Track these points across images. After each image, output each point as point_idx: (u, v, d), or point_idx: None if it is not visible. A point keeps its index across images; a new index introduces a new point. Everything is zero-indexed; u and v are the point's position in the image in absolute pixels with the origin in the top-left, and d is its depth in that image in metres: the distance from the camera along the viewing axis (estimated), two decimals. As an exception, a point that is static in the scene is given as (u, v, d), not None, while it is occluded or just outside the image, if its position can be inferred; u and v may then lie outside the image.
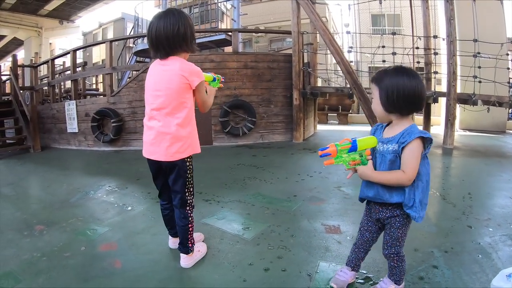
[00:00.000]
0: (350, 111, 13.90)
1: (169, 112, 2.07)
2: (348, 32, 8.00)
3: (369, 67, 11.03)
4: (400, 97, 1.61)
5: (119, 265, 2.30)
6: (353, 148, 1.60)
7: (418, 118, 8.81)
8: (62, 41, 23.13)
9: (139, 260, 2.36)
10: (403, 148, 1.61)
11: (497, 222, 2.87)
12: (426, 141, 1.62)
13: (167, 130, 2.06)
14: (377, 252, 2.00)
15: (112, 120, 7.22)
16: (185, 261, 2.23)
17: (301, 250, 2.43)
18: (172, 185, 2.20)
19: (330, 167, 4.80)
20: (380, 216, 1.77)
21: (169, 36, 2.03)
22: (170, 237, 2.51)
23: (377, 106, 1.71)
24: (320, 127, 10.14)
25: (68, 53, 8.76)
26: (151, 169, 2.23)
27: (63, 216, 3.28)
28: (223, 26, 12.12)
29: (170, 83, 2.05)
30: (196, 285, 2.04)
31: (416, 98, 1.63)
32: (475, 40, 6.75)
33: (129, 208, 3.48)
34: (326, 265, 2.22)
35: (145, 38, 10.24)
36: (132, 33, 13.72)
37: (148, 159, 2.17)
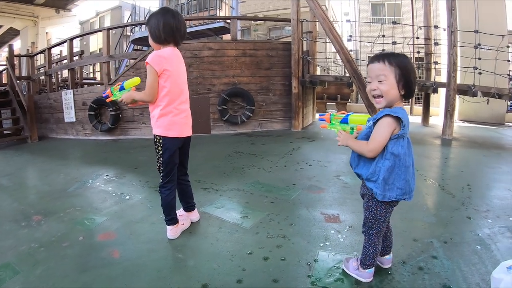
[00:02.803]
0: (349, 101, 13.84)
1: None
2: (348, 21, 7.94)
3: (368, 56, 10.99)
4: (414, 78, 1.69)
5: (117, 254, 2.29)
6: (345, 120, 1.82)
7: (417, 108, 8.79)
8: (58, 30, 22.83)
9: (138, 249, 2.35)
10: (374, 124, 1.70)
11: (496, 213, 2.87)
12: (400, 121, 1.64)
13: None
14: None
15: (109, 109, 7.17)
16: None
17: (300, 239, 2.42)
18: (185, 160, 2.62)
19: (329, 157, 4.83)
20: (360, 192, 1.90)
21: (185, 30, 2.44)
22: (186, 212, 2.74)
23: (391, 88, 1.68)
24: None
25: (65, 41, 8.67)
26: (174, 149, 2.42)
27: (60, 206, 3.27)
28: (221, 14, 11.99)
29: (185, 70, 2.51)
30: (195, 274, 2.03)
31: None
32: (476, 31, 6.69)
33: (127, 197, 3.46)
34: (326, 255, 2.21)
35: (143, 26, 10.16)
36: (129, 21, 13.58)
37: (178, 138, 2.42)
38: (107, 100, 2.52)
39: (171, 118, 2.36)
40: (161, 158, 2.39)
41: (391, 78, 1.67)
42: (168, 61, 2.31)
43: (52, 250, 2.40)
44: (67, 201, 3.43)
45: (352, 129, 1.81)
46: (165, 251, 2.32)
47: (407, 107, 9.96)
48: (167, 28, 2.31)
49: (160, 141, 2.37)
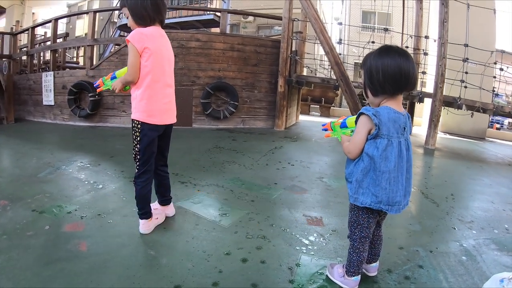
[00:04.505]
0: (333, 104, 13.85)
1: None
2: (340, 23, 7.87)
3: (355, 62, 10.98)
4: (384, 77, 1.57)
5: (85, 247, 2.13)
6: (343, 124, 1.87)
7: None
8: (46, 11, 22.26)
9: (107, 243, 2.19)
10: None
11: (480, 225, 2.86)
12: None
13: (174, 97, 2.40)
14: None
15: (90, 94, 6.91)
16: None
17: (282, 241, 2.31)
18: (166, 149, 2.48)
19: (312, 158, 4.77)
20: None
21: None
22: (161, 206, 2.60)
23: (365, 90, 1.69)
24: (302, 117, 10.05)
25: (50, 21, 8.34)
26: (153, 136, 2.27)
27: (29, 192, 3.07)
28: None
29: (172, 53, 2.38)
30: (167, 274, 1.88)
31: (400, 76, 1.57)
32: (466, 45, 6.73)
33: (100, 186, 3.29)
34: (308, 259, 2.11)
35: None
36: (118, 6, 13.27)
37: (158, 125, 2.27)
38: (98, 90, 2.43)
39: (153, 102, 2.20)
40: (137, 145, 2.23)
41: (364, 79, 1.68)
42: (150, 38, 2.14)
43: (15, 239, 2.22)
44: (37, 186, 3.23)
45: (352, 131, 1.78)
46: (136, 247, 2.17)
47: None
48: (154, 5, 2.16)
49: (139, 126, 2.20)
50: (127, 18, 2.26)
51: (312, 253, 2.19)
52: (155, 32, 2.20)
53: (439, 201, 3.39)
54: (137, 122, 2.21)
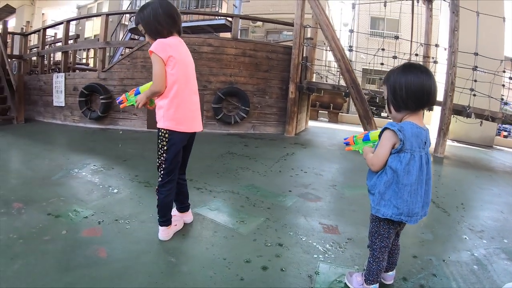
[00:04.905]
0: (341, 110, 13.83)
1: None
2: (351, 31, 7.86)
3: (363, 68, 10.98)
4: (407, 93, 1.61)
5: (104, 254, 2.12)
6: (366, 138, 1.89)
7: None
8: (55, 12, 22.45)
9: (126, 249, 2.19)
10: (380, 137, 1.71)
11: (491, 234, 2.87)
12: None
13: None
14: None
15: (101, 97, 6.96)
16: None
17: (300, 249, 2.31)
18: (187, 158, 2.46)
19: (324, 165, 4.77)
20: None
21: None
22: (180, 213, 2.59)
23: (388, 105, 1.72)
24: (311, 123, 10.06)
25: (61, 23, 8.41)
26: (180, 145, 2.26)
27: (43, 194, 3.07)
28: (222, 12, 11.86)
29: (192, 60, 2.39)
30: (189, 281, 1.88)
31: (423, 93, 1.61)
32: (476, 54, 6.71)
33: (115, 190, 3.29)
34: (327, 267, 2.12)
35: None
36: (129, 10, 13.35)
37: (186, 133, 2.26)
38: (121, 106, 2.37)
39: (181, 110, 2.18)
40: (164, 155, 2.20)
41: (386, 95, 1.71)
42: (173, 48, 2.14)
43: (32, 243, 2.20)
44: (51, 189, 3.23)
45: (374, 145, 1.84)
46: (157, 254, 2.16)
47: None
48: (169, 17, 2.17)
49: (166, 135, 2.18)
50: (145, 34, 2.26)
51: (330, 261, 2.19)
52: (177, 41, 2.21)
53: (450, 210, 3.39)
54: (164, 132, 2.19)
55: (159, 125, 2.21)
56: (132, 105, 2.29)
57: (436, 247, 2.53)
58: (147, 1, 2.23)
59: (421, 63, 8.34)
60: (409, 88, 1.60)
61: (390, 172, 1.63)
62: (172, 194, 2.32)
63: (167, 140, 2.19)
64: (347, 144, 1.97)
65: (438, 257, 2.36)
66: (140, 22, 2.22)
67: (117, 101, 2.37)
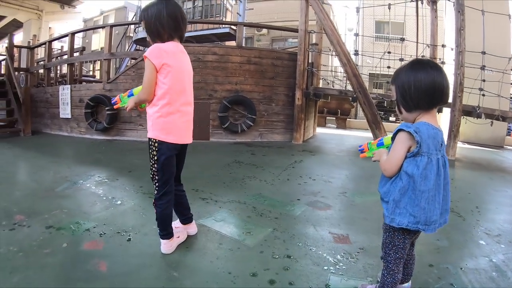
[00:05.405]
0: (349, 116, 13.74)
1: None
2: (356, 35, 7.80)
3: (370, 73, 10.93)
4: (417, 91, 1.51)
5: (104, 268, 2.04)
6: (380, 143, 1.77)
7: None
8: (62, 26, 22.71)
9: (128, 263, 2.10)
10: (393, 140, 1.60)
11: (508, 238, 2.75)
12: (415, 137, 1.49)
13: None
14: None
15: (107, 108, 6.96)
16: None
17: (309, 261, 2.21)
18: (180, 168, 2.36)
19: (333, 172, 4.68)
20: None
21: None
22: (183, 225, 2.50)
23: (398, 106, 1.62)
24: (319, 130, 9.99)
25: (67, 35, 8.46)
26: (172, 155, 2.18)
27: (46, 206, 3.02)
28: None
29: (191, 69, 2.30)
30: (192, 297, 1.79)
31: (434, 91, 1.50)
32: (484, 53, 6.60)
33: (119, 202, 3.22)
34: (338, 280, 2.00)
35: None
36: (134, 20, 13.44)
37: (175, 145, 2.16)
38: (115, 107, 2.33)
39: (171, 120, 2.10)
40: (155, 165, 2.12)
41: (395, 96, 1.62)
42: (169, 55, 2.04)
43: (32, 256, 2.14)
44: (54, 201, 3.18)
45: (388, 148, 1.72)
46: (159, 268, 2.07)
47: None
48: (173, 20, 2.08)
49: (156, 145, 2.10)
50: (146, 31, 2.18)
51: (341, 273, 2.08)
52: (175, 48, 2.11)
53: (464, 214, 3.27)
54: (154, 141, 2.11)
55: (148, 135, 2.14)
56: (125, 105, 2.22)
57: (452, 254, 2.41)
58: (173, 5, 2.13)
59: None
60: (419, 86, 1.49)
61: (405, 178, 1.51)
62: (171, 206, 2.23)
63: (157, 149, 2.11)
64: (362, 151, 1.89)
65: (455, 265, 2.25)
66: (143, 20, 2.14)
67: (112, 102, 2.34)
